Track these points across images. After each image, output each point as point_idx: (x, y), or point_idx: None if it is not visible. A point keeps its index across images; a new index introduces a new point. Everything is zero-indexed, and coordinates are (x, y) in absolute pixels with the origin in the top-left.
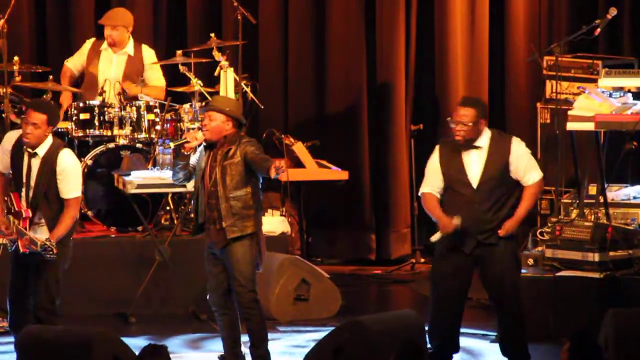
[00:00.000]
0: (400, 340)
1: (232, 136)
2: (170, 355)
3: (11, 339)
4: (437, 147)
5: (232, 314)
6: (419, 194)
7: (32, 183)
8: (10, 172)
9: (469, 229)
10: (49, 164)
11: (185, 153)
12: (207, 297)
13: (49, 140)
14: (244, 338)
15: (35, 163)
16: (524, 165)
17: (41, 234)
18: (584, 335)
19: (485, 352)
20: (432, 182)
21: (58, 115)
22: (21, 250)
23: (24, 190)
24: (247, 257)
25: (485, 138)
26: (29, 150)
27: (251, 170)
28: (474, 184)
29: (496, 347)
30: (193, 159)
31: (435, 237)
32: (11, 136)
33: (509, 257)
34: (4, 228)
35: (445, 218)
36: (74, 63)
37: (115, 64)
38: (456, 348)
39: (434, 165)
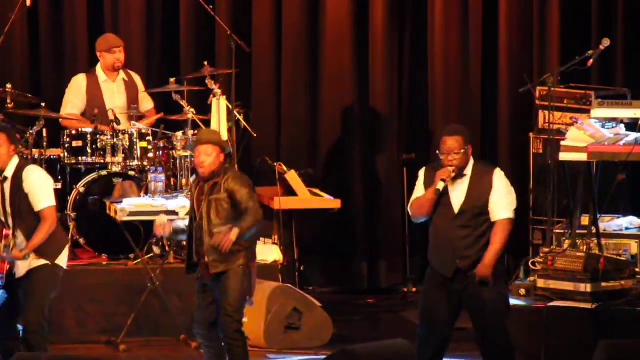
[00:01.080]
0: None
1: (220, 168)
2: None
3: None
4: (422, 171)
5: (218, 347)
6: (408, 209)
7: (8, 208)
8: None
9: (448, 253)
10: (18, 183)
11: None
12: (194, 327)
13: (15, 161)
14: None
15: (7, 187)
16: (497, 200)
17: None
18: None
19: None
20: (418, 192)
21: (15, 134)
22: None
23: (4, 217)
24: (237, 288)
25: (469, 167)
26: None
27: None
28: (456, 209)
29: None
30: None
31: (440, 185)
32: None
33: (494, 294)
34: None
35: (439, 172)
36: (77, 107)
37: (117, 92)
38: None
39: (420, 184)
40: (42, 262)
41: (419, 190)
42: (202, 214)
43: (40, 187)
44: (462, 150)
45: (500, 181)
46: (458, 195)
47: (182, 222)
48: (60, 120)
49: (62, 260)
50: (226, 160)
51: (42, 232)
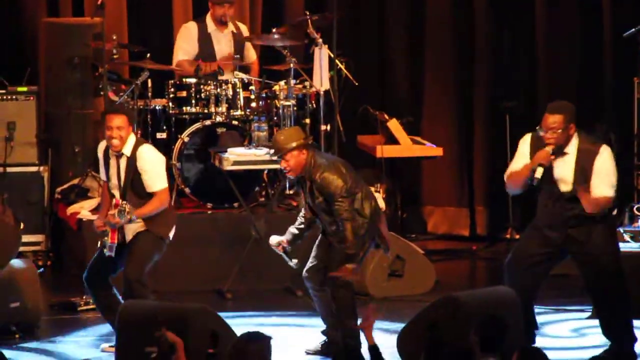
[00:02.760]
0: (495, 316)
1: (306, 165)
2: (270, 331)
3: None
4: (529, 136)
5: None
6: (505, 178)
7: (122, 182)
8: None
9: (558, 227)
10: (133, 162)
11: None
12: (303, 274)
13: (132, 140)
14: None
15: (122, 163)
16: (599, 180)
17: (134, 224)
18: None
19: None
20: (518, 164)
21: (132, 113)
22: (108, 244)
23: (117, 191)
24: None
25: (573, 145)
26: (116, 152)
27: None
28: (561, 188)
29: (595, 324)
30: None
31: (539, 173)
32: (101, 146)
33: (603, 237)
34: (99, 225)
35: (538, 154)
36: (189, 53)
37: (225, 43)
38: (533, 323)
39: (523, 151)
40: (147, 230)
41: (519, 160)
42: (320, 209)
43: (154, 169)
44: (560, 130)
45: (603, 163)
46: (562, 174)
47: (293, 228)
48: (174, 66)
49: (171, 233)
50: (310, 149)
51: (152, 205)
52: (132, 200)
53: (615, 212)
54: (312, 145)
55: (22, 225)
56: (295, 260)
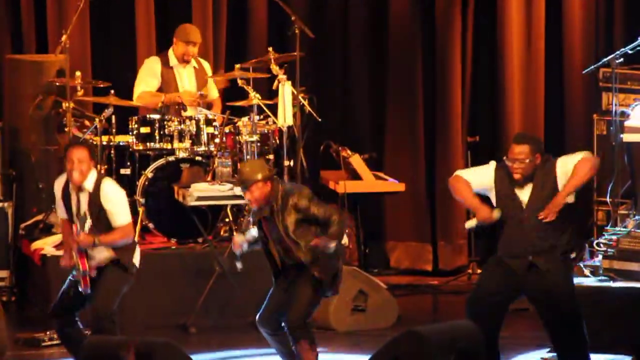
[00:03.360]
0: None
1: (272, 194)
2: None
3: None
4: (493, 163)
5: (282, 335)
6: (454, 176)
7: (83, 215)
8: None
9: (521, 251)
10: (96, 197)
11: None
12: (257, 320)
13: (93, 175)
14: None
15: (84, 198)
16: (567, 161)
17: (99, 253)
18: None
19: None
20: (476, 179)
21: (93, 148)
22: (82, 290)
23: (78, 225)
24: (307, 295)
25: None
26: (77, 186)
27: (310, 221)
28: (526, 212)
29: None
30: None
31: (470, 224)
32: (59, 182)
33: (561, 274)
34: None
35: (484, 208)
36: (151, 86)
37: (187, 78)
38: (496, 356)
39: (487, 174)
40: (114, 258)
41: (478, 176)
42: (282, 235)
43: (118, 204)
44: (528, 160)
45: (560, 160)
46: (526, 197)
47: (255, 230)
48: (135, 100)
49: (136, 259)
50: (274, 181)
51: (116, 234)
52: (93, 230)
53: (574, 255)
54: (275, 177)
55: None
56: (240, 265)
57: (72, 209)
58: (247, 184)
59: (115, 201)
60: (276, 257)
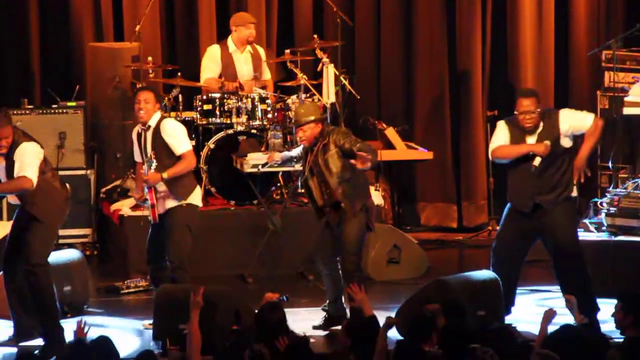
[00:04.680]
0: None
1: (319, 135)
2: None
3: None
4: (502, 123)
5: (337, 275)
6: (490, 152)
7: (149, 153)
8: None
9: (527, 191)
10: (157, 132)
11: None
12: (317, 259)
13: (158, 115)
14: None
15: (149, 135)
16: (573, 117)
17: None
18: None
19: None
20: (501, 140)
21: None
22: (152, 221)
23: (145, 166)
24: (355, 232)
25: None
26: (143, 125)
27: (348, 156)
28: (533, 159)
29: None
30: (296, 152)
31: (536, 162)
32: (134, 130)
33: (566, 218)
34: (138, 197)
35: (537, 145)
36: (213, 72)
37: (244, 62)
38: (511, 300)
39: (503, 132)
40: (176, 203)
41: (500, 138)
42: (322, 170)
43: (177, 134)
44: (537, 111)
45: (565, 114)
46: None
47: (295, 151)
48: (201, 84)
49: (196, 199)
50: (324, 124)
51: (180, 165)
52: (160, 168)
53: (576, 194)
54: (325, 119)
55: (69, 188)
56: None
57: (142, 151)
58: (301, 124)
59: (175, 133)
60: (315, 193)
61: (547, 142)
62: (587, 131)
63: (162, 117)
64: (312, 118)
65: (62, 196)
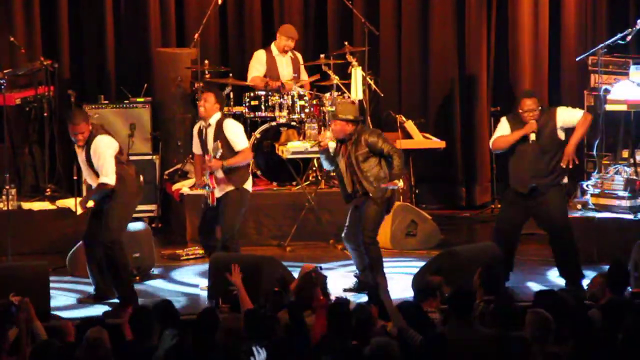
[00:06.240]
0: (482, 264)
1: (351, 132)
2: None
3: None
4: (504, 119)
5: (361, 249)
6: (490, 144)
7: (209, 147)
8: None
9: (526, 174)
10: (219, 129)
11: (322, 149)
12: (343, 236)
13: (217, 115)
14: None
15: (210, 132)
16: (568, 113)
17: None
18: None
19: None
20: (501, 132)
21: (222, 96)
22: (211, 203)
23: (211, 154)
24: (373, 214)
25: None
26: (204, 123)
27: (379, 154)
28: (530, 143)
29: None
30: (332, 145)
31: (532, 136)
32: (196, 126)
33: (559, 199)
34: (199, 182)
35: (524, 128)
36: (259, 72)
37: (285, 65)
38: (510, 267)
39: (505, 126)
40: (232, 187)
41: (502, 130)
42: (353, 163)
43: (237, 133)
44: (538, 109)
45: (560, 109)
46: (532, 134)
47: (332, 145)
48: (248, 82)
49: (248, 185)
50: (357, 125)
51: (238, 157)
52: (222, 159)
53: (566, 180)
54: (359, 122)
55: (141, 178)
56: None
57: (202, 145)
58: (337, 117)
59: (234, 131)
60: (346, 181)
61: (533, 122)
62: (577, 123)
63: (223, 117)
64: (349, 117)
65: (135, 185)
